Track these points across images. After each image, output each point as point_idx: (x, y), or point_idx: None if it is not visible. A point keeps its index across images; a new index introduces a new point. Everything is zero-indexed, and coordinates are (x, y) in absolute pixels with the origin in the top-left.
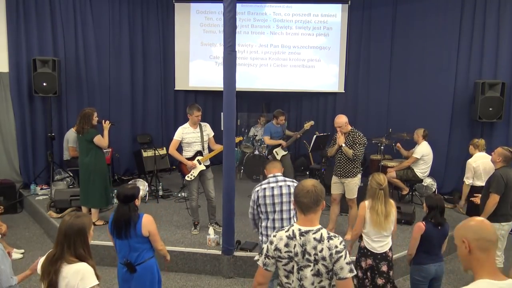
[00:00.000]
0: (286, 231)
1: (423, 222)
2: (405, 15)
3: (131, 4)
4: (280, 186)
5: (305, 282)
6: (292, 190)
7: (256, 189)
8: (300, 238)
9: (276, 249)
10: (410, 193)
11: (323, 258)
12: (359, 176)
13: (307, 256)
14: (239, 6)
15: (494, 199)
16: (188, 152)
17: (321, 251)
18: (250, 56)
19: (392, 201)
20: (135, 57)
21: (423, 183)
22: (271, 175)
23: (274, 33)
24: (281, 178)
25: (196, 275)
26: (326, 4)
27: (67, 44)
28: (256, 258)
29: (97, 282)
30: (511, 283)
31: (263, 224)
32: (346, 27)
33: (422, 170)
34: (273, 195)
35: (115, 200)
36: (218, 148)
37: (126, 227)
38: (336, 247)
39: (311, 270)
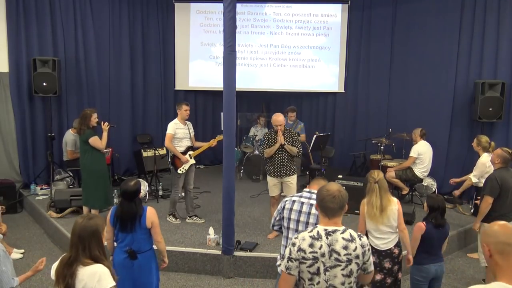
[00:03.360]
0: (309, 232)
1: (424, 222)
2: (405, 15)
3: (131, 4)
4: (311, 204)
5: (334, 282)
6: None
7: (286, 198)
8: (326, 238)
9: (300, 249)
10: (410, 193)
11: (357, 257)
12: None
13: (335, 255)
14: (239, 6)
15: (487, 201)
16: (180, 147)
17: (354, 249)
18: (250, 56)
19: (392, 198)
20: (135, 57)
21: (423, 183)
22: (307, 189)
23: (274, 33)
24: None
25: (196, 275)
26: (326, 4)
27: (67, 44)
28: (278, 263)
29: (114, 283)
30: None
31: (282, 241)
32: (346, 27)
33: (420, 169)
34: (300, 211)
35: (115, 201)
36: (206, 143)
37: (132, 221)
38: (367, 245)
39: (342, 269)
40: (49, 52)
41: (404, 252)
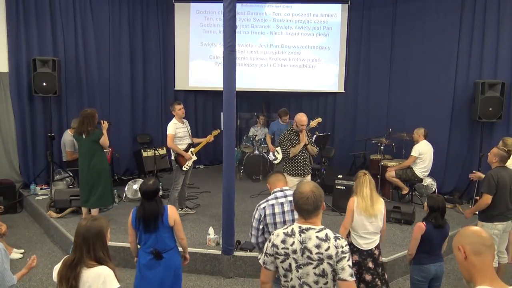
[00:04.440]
0: (284, 229)
1: (424, 222)
2: (405, 15)
3: (131, 4)
4: (290, 201)
5: (307, 280)
6: None
7: (262, 205)
8: (299, 235)
9: (273, 245)
10: (410, 193)
11: (329, 257)
12: None
13: (307, 253)
14: (239, 6)
15: (485, 199)
16: (182, 146)
17: (327, 249)
18: (250, 56)
19: (380, 198)
20: (135, 57)
21: (423, 183)
22: (278, 189)
23: (274, 33)
24: (290, 192)
25: (196, 275)
26: (326, 4)
27: (67, 44)
28: (258, 257)
29: (118, 285)
30: None
31: None
32: (346, 27)
33: (420, 169)
34: (283, 212)
35: (116, 200)
36: (204, 139)
37: (155, 221)
38: (342, 247)
39: (314, 268)
40: (49, 52)
41: (388, 258)
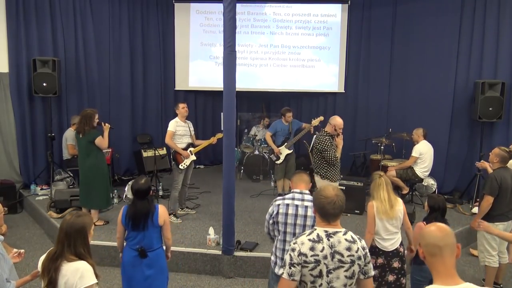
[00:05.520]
0: (307, 235)
1: (424, 222)
2: (405, 15)
3: (131, 4)
4: (306, 207)
5: (336, 284)
6: None
7: (277, 202)
8: (328, 240)
9: (300, 254)
10: (410, 193)
11: (359, 258)
12: None
13: (338, 257)
14: (239, 6)
15: (487, 201)
16: (181, 144)
17: (357, 251)
18: (250, 56)
19: (398, 199)
20: (135, 57)
21: (423, 182)
22: (298, 190)
23: (274, 33)
24: (308, 197)
25: (196, 275)
26: (326, 4)
27: (67, 44)
28: (279, 272)
29: (95, 280)
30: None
31: (278, 244)
32: (346, 27)
33: (421, 169)
34: (296, 215)
35: (116, 201)
36: (206, 141)
37: (145, 219)
38: (366, 248)
39: (346, 271)
40: (49, 53)
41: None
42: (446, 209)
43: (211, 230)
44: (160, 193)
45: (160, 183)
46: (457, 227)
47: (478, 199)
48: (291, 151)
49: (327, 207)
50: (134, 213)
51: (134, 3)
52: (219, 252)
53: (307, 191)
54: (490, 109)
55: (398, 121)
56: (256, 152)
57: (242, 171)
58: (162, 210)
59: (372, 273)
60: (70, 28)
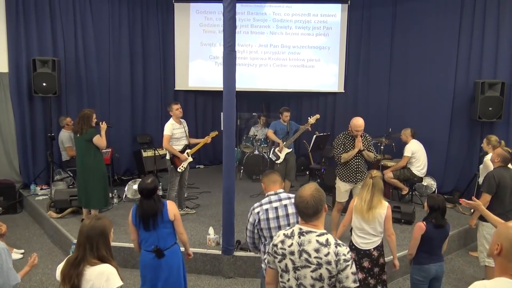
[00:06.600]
0: (286, 230)
1: (424, 222)
2: (405, 15)
3: (130, 4)
4: (285, 205)
5: (304, 282)
6: None
7: (256, 210)
8: (299, 237)
9: (273, 245)
10: (410, 193)
11: (328, 263)
12: None
13: (305, 256)
14: (239, 6)
15: (485, 199)
16: (178, 146)
17: (326, 255)
18: (250, 56)
19: (384, 202)
20: (135, 57)
21: (423, 182)
22: (272, 192)
23: (274, 33)
24: (284, 195)
25: (196, 275)
26: (326, 4)
27: (67, 44)
28: (263, 257)
29: (121, 283)
30: None
31: (264, 249)
32: (346, 27)
33: (417, 167)
34: (277, 217)
35: (115, 201)
36: (202, 140)
37: (154, 218)
38: (344, 255)
39: (312, 271)
40: (49, 52)
41: (389, 258)
42: (445, 209)
43: (211, 230)
44: (160, 193)
45: (160, 183)
46: (457, 227)
47: (475, 197)
48: (291, 150)
49: (299, 206)
50: (142, 213)
51: (134, 3)
52: (219, 252)
53: (281, 190)
54: (490, 109)
55: (398, 121)
56: (256, 152)
57: (242, 171)
58: (171, 205)
59: (351, 284)
60: (70, 28)
